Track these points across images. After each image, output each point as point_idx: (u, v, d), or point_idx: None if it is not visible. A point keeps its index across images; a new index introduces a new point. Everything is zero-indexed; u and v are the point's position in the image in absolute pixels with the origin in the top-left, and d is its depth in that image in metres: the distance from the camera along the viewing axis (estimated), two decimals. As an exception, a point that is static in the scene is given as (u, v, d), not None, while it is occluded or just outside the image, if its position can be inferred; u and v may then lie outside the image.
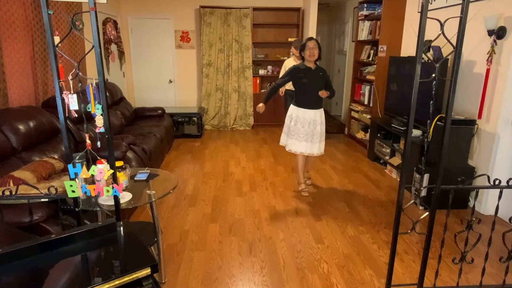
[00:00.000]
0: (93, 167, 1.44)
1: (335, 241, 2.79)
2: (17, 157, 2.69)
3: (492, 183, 1.82)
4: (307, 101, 3.52)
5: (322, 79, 3.53)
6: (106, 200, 1.90)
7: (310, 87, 3.48)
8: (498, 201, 1.87)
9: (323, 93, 3.46)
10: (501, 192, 1.85)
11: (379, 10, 4.91)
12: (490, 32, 3.06)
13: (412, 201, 3.46)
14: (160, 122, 5.12)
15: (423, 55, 1.71)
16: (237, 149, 5.30)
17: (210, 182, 3.99)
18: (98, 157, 1.53)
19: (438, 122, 3.22)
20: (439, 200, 1.87)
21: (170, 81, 6.78)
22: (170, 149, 5.26)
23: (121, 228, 1.43)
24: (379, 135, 4.59)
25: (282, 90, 5.06)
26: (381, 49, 4.76)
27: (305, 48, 3.45)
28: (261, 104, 3.48)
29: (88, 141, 1.47)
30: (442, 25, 1.62)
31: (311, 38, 3.47)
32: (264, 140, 5.86)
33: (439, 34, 1.62)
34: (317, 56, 3.45)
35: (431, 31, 2.01)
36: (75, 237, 1.32)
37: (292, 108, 3.62)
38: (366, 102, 5.38)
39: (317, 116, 3.53)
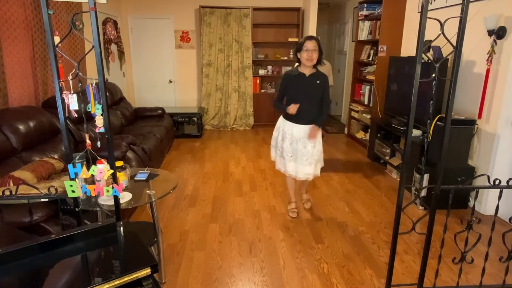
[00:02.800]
0: (93, 167, 1.44)
1: (335, 241, 2.79)
2: (17, 157, 2.69)
3: (492, 183, 1.82)
4: (297, 115, 2.88)
5: (318, 88, 2.87)
6: (106, 200, 1.90)
7: (300, 98, 2.86)
8: (498, 201, 1.87)
9: (313, 133, 2.87)
10: (501, 192, 1.85)
11: (379, 10, 4.90)
12: (490, 32, 3.06)
13: (412, 201, 3.46)
14: (160, 122, 5.12)
15: (423, 55, 1.71)
16: (237, 149, 5.29)
17: (210, 182, 3.99)
18: (98, 157, 1.52)
19: (438, 122, 3.22)
20: (439, 200, 1.87)
21: (170, 81, 6.77)
22: (170, 149, 5.26)
23: (121, 228, 1.43)
24: (379, 135, 4.59)
25: None
26: (381, 49, 4.76)
27: (302, 48, 2.78)
28: (291, 106, 2.85)
29: (88, 141, 1.47)
30: (442, 25, 1.62)
31: (311, 37, 2.80)
32: (264, 140, 5.86)
33: (439, 34, 1.62)
34: (316, 60, 2.80)
35: (431, 31, 2.01)
36: (75, 237, 1.32)
37: (281, 120, 3.04)
38: (366, 102, 5.38)
39: (307, 133, 2.91)
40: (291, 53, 6.73)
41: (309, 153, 2.91)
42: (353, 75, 5.87)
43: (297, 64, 3.01)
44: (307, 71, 2.87)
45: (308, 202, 3.34)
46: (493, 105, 3.13)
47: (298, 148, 2.92)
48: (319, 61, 2.85)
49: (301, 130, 2.91)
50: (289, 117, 2.94)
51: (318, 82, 2.86)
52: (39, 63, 3.46)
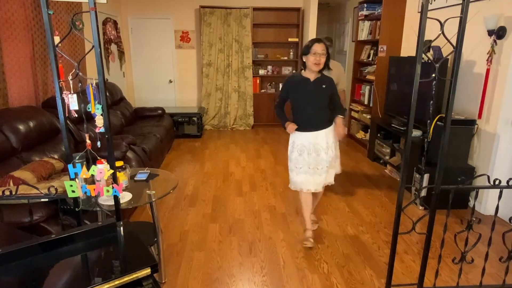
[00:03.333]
0: (93, 167, 1.44)
1: (335, 241, 2.79)
2: (17, 157, 2.69)
3: (492, 183, 1.82)
4: (304, 123, 2.67)
5: (323, 93, 2.64)
6: (106, 200, 1.90)
7: (305, 104, 2.66)
8: (498, 201, 1.87)
9: (340, 127, 2.69)
10: (501, 192, 1.85)
11: (379, 10, 4.91)
12: (490, 32, 3.06)
13: (412, 201, 3.46)
14: (160, 122, 5.12)
15: (423, 55, 1.71)
16: (237, 149, 5.29)
17: (210, 182, 3.99)
18: (98, 157, 1.52)
19: (438, 122, 3.22)
20: (439, 200, 1.87)
21: (170, 81, 6.77)
22: (170, 149, 5.26)
23: (121, 228, 1.43)
24: (379, 135, 4.59)
25: None
26: (381, 49, 4.76)
27: (309, 51, 2.52)
28: (289, 125, 2.68)
29: (88, 141, 1.47)
30: (442, 25, 1.62)
31: (319, 40, 2.55)
32: (264, 140, 5.86)
33: (439, 34, 1.62)
34: (323, 65, 2.57)
35: (431, 31, 2.01)
36: (75, 237, 1.32)
37: (292, 135, 2.77)
38: (366, 102, 5.38)
39: (319, 139, 2.65)
40: (291, 53, 6.72)
41: (323, 160, 2.66)
42: (353, 75, 5.87)
43: (301, 68, 2.75)
44: (312, 76, 2.62)
45: (316, 224, 2.99)
46: (493, 105, 3.13)
47: (311, 158, 2.66)
48: (326, 66, 2.62)
49: (311, 137, 2.66)
50: (297, 127, 2.70)
51: (324, 86, 2.63)
52: (39, 63, 3.46)
